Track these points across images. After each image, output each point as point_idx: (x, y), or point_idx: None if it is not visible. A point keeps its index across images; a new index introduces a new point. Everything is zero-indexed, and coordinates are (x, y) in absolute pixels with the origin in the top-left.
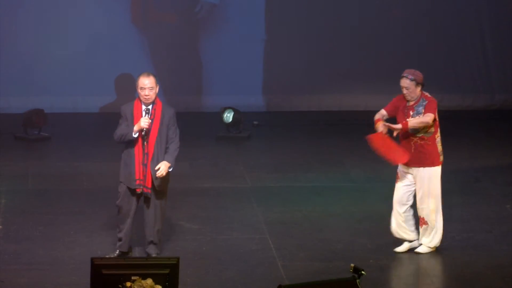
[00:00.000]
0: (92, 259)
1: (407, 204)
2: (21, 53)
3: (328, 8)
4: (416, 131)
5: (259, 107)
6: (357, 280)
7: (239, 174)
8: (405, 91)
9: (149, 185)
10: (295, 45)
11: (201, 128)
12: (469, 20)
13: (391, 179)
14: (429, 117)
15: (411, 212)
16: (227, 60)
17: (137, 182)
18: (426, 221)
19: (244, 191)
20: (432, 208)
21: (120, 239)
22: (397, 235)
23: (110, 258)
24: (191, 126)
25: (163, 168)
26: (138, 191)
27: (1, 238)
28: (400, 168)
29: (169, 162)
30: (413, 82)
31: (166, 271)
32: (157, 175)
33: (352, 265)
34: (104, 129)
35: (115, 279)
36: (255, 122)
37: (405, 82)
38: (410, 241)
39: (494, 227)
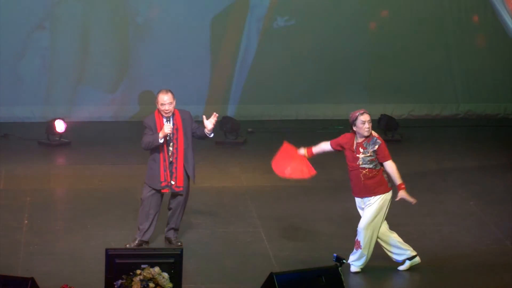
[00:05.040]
0: (107, 250)
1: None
2: (44, 68)
3: (312, 23)
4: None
5: (254, 116)
6: (339, 268)
7: (235, 175)
8: (368, 125)
9: (181, 184)
10: (286, 62)
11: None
12: (437, 40)
13: None
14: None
15: (391, 233)
16: (224, 74)
17: (163, 184)
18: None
19: (240, 190)
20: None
21: (141, 230)
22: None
23: (122, 248)
24: None
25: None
26: (165, 191)
27: (27, 232)
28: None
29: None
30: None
31: (171, 260)
32: (213, 119)
33: (335, 254)
34: (116, 136)
35: (126, 267)
36: (250, 129)
37: (368, 116)
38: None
39: (459, 221)
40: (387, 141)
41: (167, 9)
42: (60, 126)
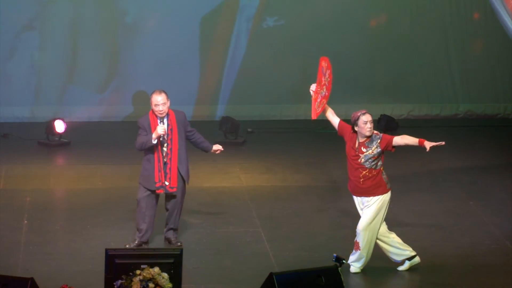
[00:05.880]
0: (107, 250)
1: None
2: (33, 68)
3: (313, 23)
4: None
5: (253, 116)
6: (339, 268)
7: (235, 175)
8: (370, 125)
9: (174, 185)
10: (284, 61)
11: (202, 134)
12: (437, 40)
13: None
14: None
15: (390, 234)
16: (214, 74)
17: (157, 184)
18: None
19: (239, 190)
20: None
21: (140, 231)
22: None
23: (122, 249)
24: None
25: (219, 147)
26: (160, 192)
27: (26, 232)
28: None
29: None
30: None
31: (171, 261)
32: (218, 151)
33: (335, 254)
34: (115, 136)
35: (126, 267)
36: (249, 129)
37: (370, 116)
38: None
39: (459, 221)
40: None
41: (156, 9)
42: (59, 126)
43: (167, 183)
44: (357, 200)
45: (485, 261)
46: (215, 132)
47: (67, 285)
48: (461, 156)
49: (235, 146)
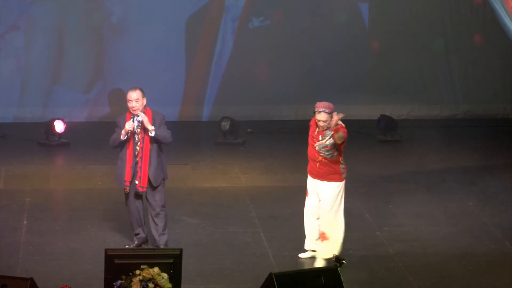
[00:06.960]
0: (106, 250)
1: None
2: (19, 68)
3: (310, 26)
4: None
5: (253, 116)
6: (339, 268)
7: (234, 175)
8: (322, 124)
9: (144, 184)
10: (271, 62)
11: (201, 135)
12: (436, 39)
13: (366, 179)
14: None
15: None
16: (200, 74)
17: (126, 183)
18: (327, 236)
19: (239, 190)
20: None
21: (136, 234)
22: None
23: (121, 249)
24: (193, 133)
25: (145, 118)
26: (126, 191)
27: (26, 232)
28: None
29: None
30: (330, 115)
31: (171, 261)
32: (137, 117)
33: (334, 254)
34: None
35: (126, 268)
36: (249, 130)
37: (323, 116)
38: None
39: (458, 221)
40: (386, 141)
41: (142, 9)
42: (59, 126)
43: (137, 182)
44: (311, 181)
45: (485, 261)
46: (215, 132)
47: (66, 285)
48: (461, 156)
49: (234, 146)
